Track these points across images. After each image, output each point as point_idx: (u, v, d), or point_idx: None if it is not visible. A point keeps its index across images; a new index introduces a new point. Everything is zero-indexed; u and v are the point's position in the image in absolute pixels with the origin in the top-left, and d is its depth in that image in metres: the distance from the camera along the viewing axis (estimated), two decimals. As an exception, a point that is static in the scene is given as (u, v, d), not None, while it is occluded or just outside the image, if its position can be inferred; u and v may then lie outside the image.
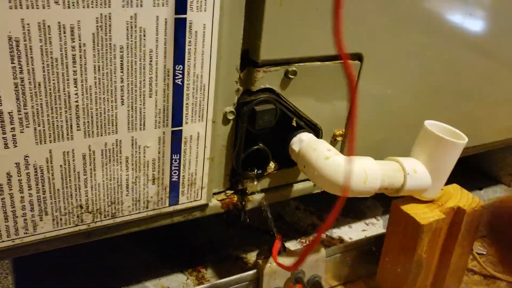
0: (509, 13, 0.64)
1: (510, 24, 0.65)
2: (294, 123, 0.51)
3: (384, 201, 0.79)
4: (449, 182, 0.56)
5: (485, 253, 0.76)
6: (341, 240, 0.69)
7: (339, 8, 0.32)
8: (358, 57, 0.53)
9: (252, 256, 0.65)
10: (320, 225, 0.70)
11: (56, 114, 0.38)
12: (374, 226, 0.74)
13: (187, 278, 0.61)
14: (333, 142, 0.56)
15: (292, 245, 0.68)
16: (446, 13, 0.58)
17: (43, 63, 0.36)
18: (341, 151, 0.58)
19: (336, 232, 0.71)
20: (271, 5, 0.44)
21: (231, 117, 0.48)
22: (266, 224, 0.53)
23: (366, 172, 0.47)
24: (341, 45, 0.33)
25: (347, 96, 0.54)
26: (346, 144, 0.57)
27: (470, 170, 0.94)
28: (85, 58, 0.37)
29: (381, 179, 0.48)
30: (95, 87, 0.39)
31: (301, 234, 0.70)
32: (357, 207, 0.77)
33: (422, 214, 0.55)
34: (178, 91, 0.42)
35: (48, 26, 0.35)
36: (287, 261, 0.52)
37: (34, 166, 0.40)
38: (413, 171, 0.51)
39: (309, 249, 0.44)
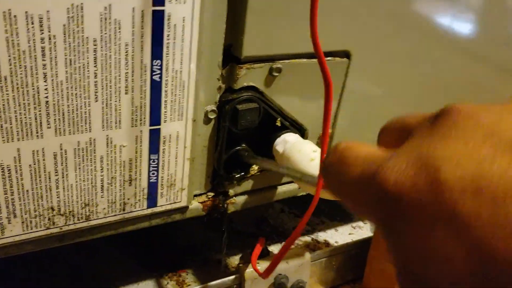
0: (499, 16, 0.63)
1: (499, 26, 0.64)
2: (278, 123, 0.50)
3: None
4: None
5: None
6: (327, 243, 0.68)
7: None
8: (346, 54, 0.51)
9: (235, 260, 0.63)
10: (311, 231, 0.69)
11: (25, 110, 0.36)
12: (361, 230, 0.72)
13: (167, 283, 0.58)
14: (320, 143, 0.55)
15: (276, 248, 0.66)
16: (437, 13, 0.57)
17: (9, 56, 0.34)
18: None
19: (322, 236, 0.69)
20: (255, -2, 0.42)
21: (212, 116, 0.46)
22: (249, 227, 0.51)
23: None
24: (317, 41, 0.31)
25: (334, 95, 0.53)
26: (333, 144, 0.56)
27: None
28: (55, 51, 0.35)
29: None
30: (67, 82, 0.36)
31: (285, 237, 0.68)
32: (344, 210, 0.76)
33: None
34: (156, 88, 0.40)
35: (14, 16, 0.33)
36: (266, 266, 0.51)
37: (1, 166, 0.37)
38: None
39: (281, 256, 0.42)
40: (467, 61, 0.64)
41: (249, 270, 0.51)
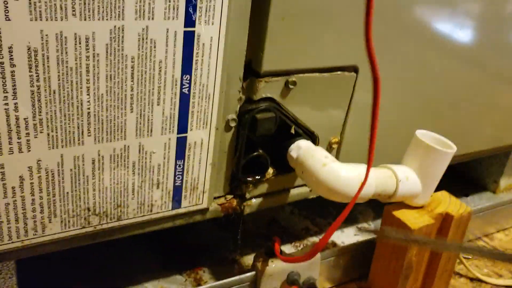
0: (496, 26, 0.67)
1: (496, 37, 0.68)
2: (292, 131, 0.54)
3: (375, 207, 0.81)
4: (438, 189, 0.59)
5: (470, 257, 0.79)
6: (334, 244, 0.71)
7: (370, 18, 0.33)
8: (354, 69, 0.55)
9: (247, 259, 0.67)
10: (320, 232, 0.73)
11: (69, 120, 0.40)
12: (366, 231, 0.76)
13: (186, 280, 0.62)
14: (329, 149, 0.59)
15: (286, 248, 0.70)
16: (440, 26, 0.60)
17: (58, 72, 0.38)
18: (337, 157, 0.60)
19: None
20: (274, 20, 0.46)
21: (233, 124, 0.50)
22: (261, 228, 0.55)
23: (361, 179, 0.49)
24: (373, 54, 0.34)
25: (343, 105, 0.57)
26: (341, 150, 0.60)
27: (458, 177, 0.97)
28: (98, 67, 0.39)
29: (375, 186, 0.50)
30: (107, 95, 0.41)
31: (295, 238, 0.72)
32: (350, 213, 0.80)
33: (413, 219, 0.58)
34: (184, 100, 0.44)
35: (65, 37, 0.37)
36: (282, 264, 0.55)
37: (45, 170, 0.41)
38: (405, 178, 0.53)
39: (319, 248, 0.46)
40: (467, 73, 0.68)
41: (268, 267, 0.55)
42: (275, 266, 0.55)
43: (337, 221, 0.42)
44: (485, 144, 0.79)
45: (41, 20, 0.35)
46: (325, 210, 0.79)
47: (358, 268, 0.67)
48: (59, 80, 0.38)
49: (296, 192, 0.60)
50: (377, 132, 0.62)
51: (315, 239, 0.72)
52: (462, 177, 0.97)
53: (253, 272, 0.56)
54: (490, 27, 0.66)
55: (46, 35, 0.36)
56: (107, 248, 0.63)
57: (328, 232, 0.44)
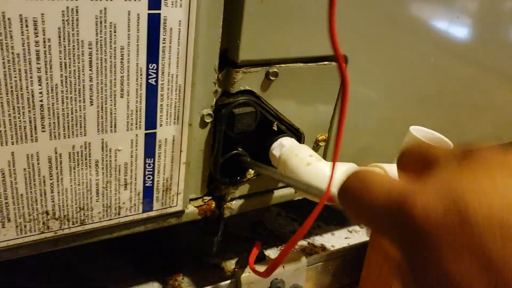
0: (494, 21, 0.63)
1: (494, 31, 0.65)
2: (275, 127, 0.49)
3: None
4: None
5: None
6: (323, 248, 0.67)
7: (333, 6, 0.30)
8: (344, 59, 0.51)
9: (231, 264, 0.63)
10: (308, 236, 0.69)
11: (19, 114, 0.36)
12: (358, 234, 0.72)
13: (163, 287, 0.58)
14: (316, 148, 0.55)
15: (272, 252, 0.66)
16: (433, 19, 0.57)
17: (3, 59, 0.33)
18: (324, 156, 0.56)
19: (318, 240, 0.69)
20: (251, 2, 0.41)
21: (208, 120, 0.46)
22: (245, 231, 0.51)
23: (349, 179, 0.45)
24: (337, 46, 0.31)
25: (331, 100, 0.53)
26: (329, 149, 0.56)
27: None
28: (50, 54, 0.35)
29: (364, 186, 0.46)
30: (62, 85, 0.36)
31: (282, 242, 0.68)
32: (340, 214, 0.76)
33: (406, 222, 0.54)
34: (151, 92, 0.40)
35: (9, 19, 0.32)
36: (262, 269, 0.50)
37: (-6, 170, 0.37)
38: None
39: (284, 255, 0.41)
40: (463, 67, 0.64)
41: (246, 275, 0.51)
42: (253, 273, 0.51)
43: (299, 231, 0.38)
44: (482, 142, 0.75)
45: (-22, -2, 0.31)
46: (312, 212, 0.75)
47: (348, 274, 0.63)
48: (4, 68, 0.34)
49: (280, 194, 0.56)
50: (367, 128, 0.59)
51: (303, 242, 0.68)
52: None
53: (233, 280, 0.52)
54: (487, 23, 0.63)
55: (-14, 16, 0.32)
56: (76, 254, 0.59)
57: (288, 244, 0.40)
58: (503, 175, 0.17)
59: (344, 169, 0.46)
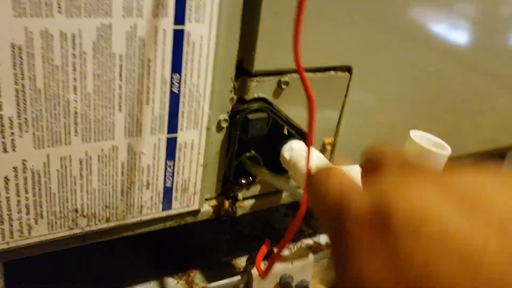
0: (492, 27, 0.66)
1: (493, 37, 0.67)
2: (285, 131, 0.53)
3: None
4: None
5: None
6: (328, 245, 0.71)
7: (299, 20, 0.32)
8: (348, 69, 0.54)
9: (241, 261, 0.66)
10: (313, 234, 0.72)
11: (55, 120, 0.39)
12: (360, 233, 0.75)
13: (177, 282, 0.61)
14: (323, 150, 0.58)
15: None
16: (435, 27, 0.60)
17: (44, 70, 0.37)
18: (330, 159, 0.59)
19: (323, 238, 0.72)
20: (266, 14, 0.45)
21: (224, 125, 0.49)
22: (254, 230, 0.54)
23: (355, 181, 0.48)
24: (298, 58, 0.33)
25: (337, 106, 0.56)
26: (335, 152, 0.59)
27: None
28: (85, 66, 0.38)
29: (368, 188, 0.50)
30: (94, 94, 0.40)
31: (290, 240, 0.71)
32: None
33: (408, 221, 0.57)
34: (174, 99, 0.44)
35: (51, 35, 0.36)
36: (276, 266, 0.54)
37: (31, 171, 0.40)
38: (399, 180, 0.52)
39: (275, 258, 0.45)
40: (462, 73, 0.67)
41: (255, 269, 0.54)
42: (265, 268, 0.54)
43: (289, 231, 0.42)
44: (481, 146, 0.78)
45: (25, 16, 0.34)
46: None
47: (352, 271, 0.66)
48: (44, 78, 0.37)
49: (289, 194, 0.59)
50: (370, 132, 0.62)
51: (309, 241, 0.71)
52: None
53: (245, 275, 0.56)
54: (486, 28, 0.66)
55: (31, 32, 0.35)
56: (96, 250, 0.62)
57: (281, 242, 0.44)
58: (432, 188, 0.18)
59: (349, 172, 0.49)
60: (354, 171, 0.49)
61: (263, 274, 0.49)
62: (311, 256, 0.58)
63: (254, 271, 0.54)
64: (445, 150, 0.53)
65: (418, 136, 0.54)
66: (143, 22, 0.39)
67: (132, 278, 0.61)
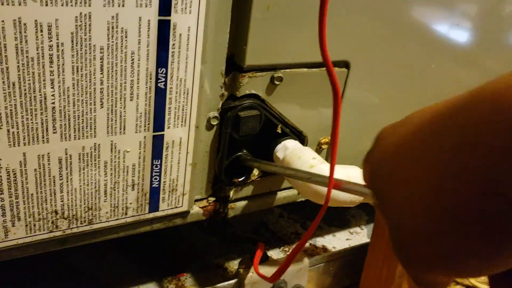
0: (492, 26, 0.64)
1: (494, 35, 0.66)
2: (279, 130, 0.50)
3: (368, 210, 0.78)
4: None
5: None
6: (324, 249, 0.68)
7: (324, 14, 0.31)
8: (345, 64, 0.52)
9: (233, 265, 0.64)
10: (302, 235, 0.70)
11: (31, 116, 0.37)
12: (358, 235, 0.73)
13: (167, 287, 0.59)
14: (319, 150, 0.56)
15: (275, 253, 0.67)
16: (434, 24, 0.58)
17: (18, 63, 0.34)
18: (327, 159, 0.57)
19: (319, 241, 0.70)
20: (258, 9, 0.42)
21: (214, 122, 0.47)
22: (248, 232, 0.52)
23: (350, 180, 0.46)
24: (326, 53, 0.32)
25: (323, 104, 0.54)
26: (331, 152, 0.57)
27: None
28: (63, 58, 0.36)
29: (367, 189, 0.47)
30: (73, 88, 0.37)
31: (284, 243, 0.69)
32: (341, 215, 0.77)
33: (407, 225, 0.54)
34: (160, 95, 0.41)
35: (24, 24, 0.33)
36: (269, 270, 0.51)
37: (6, 170, 0.38)
38: (399, 182, 0.50)
39: (290, 261, 0.42)
40: (463, 72, 0.65)
41: (250, 275, 0.51)
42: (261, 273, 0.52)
43: (306, 235, 0.39)
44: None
45: (-5, 4, 0.32)
46: (315, 214, 0.75)
47: (349, 275, 0.64)
48: (18, 71, 0.35)
49: (283, 195, 0.57)
50: (369, 131, 0.59)
51: (305, 244, 0.69)
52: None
53: (236, 280, 0.53)
54: (487, 27, 0.64)
55: (2, 21, 0.32)
56: (84, 253, 0.60)
57: (294, 249, 0.41)
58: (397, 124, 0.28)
59: (347, 172, 0.47)
60: (353, 172, 0.47)
61: (272, 278, 0.46)
62: (306, 260, 0.55)
63: (248, 276, 0.52)
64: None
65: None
66: (126, 12, 0.36)
67: (121, 282, 0.59)
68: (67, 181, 0.41)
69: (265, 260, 0.54)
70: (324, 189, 0.45)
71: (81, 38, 0.36)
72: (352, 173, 0.47)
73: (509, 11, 0.65)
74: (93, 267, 0.61)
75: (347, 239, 0.72)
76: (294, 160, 0.47)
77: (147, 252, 0.64)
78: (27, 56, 0.34)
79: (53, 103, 0.37)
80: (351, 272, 0.64)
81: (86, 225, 0.44)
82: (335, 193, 0.45)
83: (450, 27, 0.60)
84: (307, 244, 0.69)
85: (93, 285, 0.58)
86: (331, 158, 0.36)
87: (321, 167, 0.46)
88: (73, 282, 0.58)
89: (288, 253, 0.67)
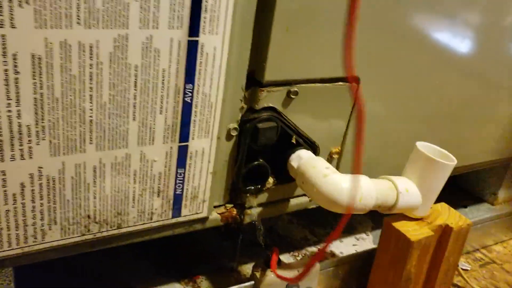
0: (497, 38, 0.67)
1: (498, 48, 0.68)
2: (293, 140, 0.54)
3: (374, 217, 0.81)
4: (436, 200, 0.59)
5: (469, 268, 0.79)
6: (332, 254, 0.71)
7: (351, 34, 0.34)
8: (356, 79, 0.55)
9: (246, 268, 0.66)
10: (318, 242, 0.73)
11: (71, 128, 0.40)
12: (364, 241, 0.76)
13: (183, 288, 0.62)
14: (330, 159, 0.59)
15: (284, 258, 0.70)
16: (438, 39, 0.61)
17: (62, 80, 0.38)
18: (337, 168, 0.60)
19: (328, 246, 0.73)
20: (278, 30, 0.46)
21: (234, 133, 0.50)
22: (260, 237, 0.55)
23: (362, 190, 0.49)
24: (351, 69, 0.35)
25: (344, 116, 0.57)
26: (341, 161, 0.60)
27: (456, 189, 0.97)
28: (101, 75, 0.39)
29: (375, 197, 0.50)
30: (109, 103, 0.41)
31: (293, 248, 0.72)
32: (348, 222, 0.79)
33: (412, 231, 0.58)
34: (187, 109, 0.44)
35: (69, 45, 0.37)
36: (282, 273, 0.54)
37: (47, 177, 0.41)
38: (405, 190, 0.53)
39: (313, 262, 0.45)
40: (467, 85, 0.68)
41: (266, 277, 0.54)
42: (274, 276, 0.55)
43: (330, 237, 0.42)
44: (485, 157, 0.79)
45: (45, 28, 0.35)
46: (324, 220, 0.79)
47: (356, 279, 0.67)
48: (62, 87, 0.38)
49: (295, 202, 0.60)
50: (376, 142, 0.62)
51: (314, 249, 0.72)
52: (461, 189, 0.97)
53: (252, 282, 0.56)
54: (491, 39, 0.67)
55: (51, 43, 0.36)
56: (105, 255, 0.63)
57: (319, 251, 0.44)
58: None
59: (358, 181, 0.50)
60: (363, 181, 0.50)
61: (297, 279, 0.49)
62: (317, 265, 0.58)
63: (265, 278, 0.55)
64: (451, 161, 0.54)
65: (425, 147, 0.55)
66: (159, 33, 0.40)
67: (138, 283, 0.61)
68: (100, 188, 0.44)
69: (279, 264, 0.57)
70: (337, 197, 0.48)
71: (118, 57, 0.39)
72: (363, 183, 0.50)
73: (509, 22, 0.67)
74: (111, 268, 0.63)
75: (353, 245, 0.75)
76: (309, 169, 0.51)
77: (164, 254, 0.67)
78: (70, 74, 0.38)
79: (91, 116, 0.40)
80: (359, 276, 0.67)
81: (115, 229, 0.47)
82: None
83: (457, 41, 0.63)
84: (315, 250, 0.72)
85: (111, 285, 0.61)
86: (354, 168, 0.38)
87: (334, 176, 0.49)
88: (90, 283, 0.61)
89: (298, 258, 0.70)
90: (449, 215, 0.62)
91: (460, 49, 0.64)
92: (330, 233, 0.42)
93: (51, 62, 0.37)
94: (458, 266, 0.71)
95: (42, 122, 0.38)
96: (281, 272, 0.54)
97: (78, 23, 0.36)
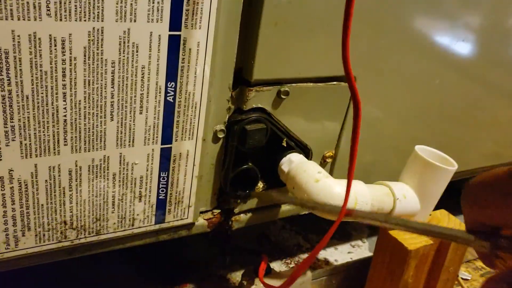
0: (497, 41, 0.65)
1: (498, 50, 0.66)
2: (284, 143, 0.51)
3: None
4: (436, 206, 0.56)
5: (469, 278, 0.76)
6: (326, 262, 0.69)
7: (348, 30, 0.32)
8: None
9: (236, 276, 0.64)
10: (311, 249, 0.70)
11: (43, 128, 0.37)
12: (360, 249, 0.73)
13: (170, 297, 0.59)
14: (323, 164, 0.56)
15: (276, 265, 0.67)
16: (437, 40, 0.59)
17: (32, 76, 0.35)
18: (331, 172, 0.57)
19: (321, 254, 0.70)
20: (267, 25, 0.43)
21: (221, 135, 0.47)
22: (250, 243, 0.53)
23: (356, 196, 0.47)
24: (349, 67, 0.33)
25: (338, 118, 0.54)
26: (335, 166, 0.57)
27: (455, 194, 0.94)
28: (75, 72, 0.37)
29: (371, 204, 0.48)
30: (85, 101, 0.38)
31: (286, 255, 0.70)
32: (343, 228, 0.77)
33: (410, 239, 0.55)
34: (169, 108, 0.42)
35: (39, 39, 0.34)
36: (272, 283, 0.52)
37: (18, 181, 0.38)
38: (403, 196, 0.51)
39: (298, 273, 0.43)
40: (467, 87, 0.66)
41: (254, 287, 0.52)
42: (261, 286, 0.52)
43: (317, 247, 0.40)
44: (485, 161, 0.77)
45: (12, 19, 0.33)
46: (317, 226, 0.76)
47: (351, 288, 0.64)
48: (32, 84, 0.35)
49: (287, 208, 0.57)
50: (373, 145, 0.60)
51: (307, 256, 0.69)
52: (460, 194, 0.95)
53: (241, 292, 0.54)
54: (491, 42, 0.65)
55: (18, 36, 0.33)
56: (87, 262, 0.60)
57: (306, 260, 0.42)
58: None
59: (353, 187, 0.47)
60: (358, 187, 0.47)
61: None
62: (309, 274, 0.56)
63: (257, 285, 0.52)
64: (452, 166, 0.52)
65: (424, 151, 0.53)
66: (137, 27, 0.37)
67: (124, 292, 0.59)
68: (77, 192, 0.42)
69: (269, 272, 0.55)
70: (330, 203, 0.45)
71: (93, 52, 0.37)
72: (357, 188, 0.47)
73: (510, 25, 0.66)
74: (96, 276, 0.61)
75: (348, 252, 0.72)
76: (300, 173, 0.48)
77: (150, 262, 0.65)
78: (41, 70, 0.35)
79: (65, 116, 0.38)
80: (354, 285, 0.64)
81: (94, 236, 0.45)
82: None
83: (456, 42, 0.61)
84: (309, 257, 0.69)
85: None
86: (348, 178, 0.36)
87: (327, 181, 0.47)
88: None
89: (292, 266, 0.67)
90: (448, 222, 0.59)
91: (460, 52, 0.62)
92: (319, 241, 0.39)
93: (20, 57, 0.34)
94: (458, 275, 0.68)
95: (12, 122, 0.36)
96: (269, 281, 0.51)
97: (48, 14, 0.34)
